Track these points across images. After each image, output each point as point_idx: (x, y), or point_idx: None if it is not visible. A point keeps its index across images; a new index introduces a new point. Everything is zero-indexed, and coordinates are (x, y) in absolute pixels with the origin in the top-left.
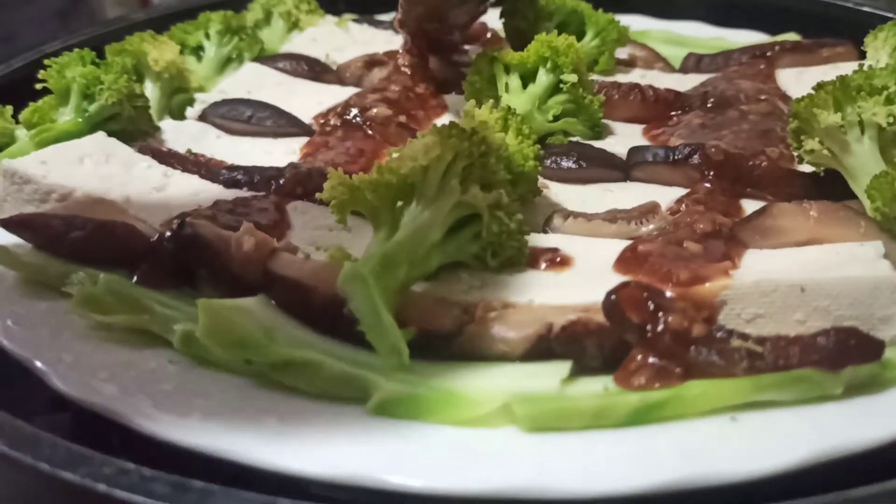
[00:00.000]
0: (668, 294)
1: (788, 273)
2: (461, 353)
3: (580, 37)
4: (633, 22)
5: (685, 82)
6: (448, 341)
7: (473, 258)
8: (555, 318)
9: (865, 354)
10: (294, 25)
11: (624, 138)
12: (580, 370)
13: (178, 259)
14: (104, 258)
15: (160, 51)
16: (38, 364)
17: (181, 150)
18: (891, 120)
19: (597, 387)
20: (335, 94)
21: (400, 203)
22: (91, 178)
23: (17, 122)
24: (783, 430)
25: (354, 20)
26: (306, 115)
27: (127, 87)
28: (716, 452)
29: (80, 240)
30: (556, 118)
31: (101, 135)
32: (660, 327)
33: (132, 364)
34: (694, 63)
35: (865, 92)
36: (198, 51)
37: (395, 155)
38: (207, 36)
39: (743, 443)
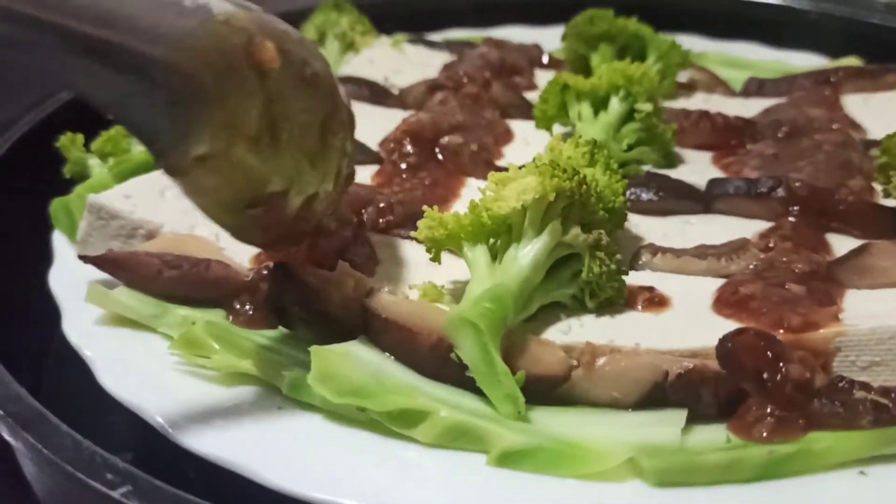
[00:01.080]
0: (782, 341)
1: None
2: (564, 397)
3: (642, 60)
4: (689, 42)
5: (749, 107)
6: (554, 386)
7: (571, 298)
8: (669, 366)
9: None
10: (349, 47)
11: (696, 166)
12: (693, 417)
13: (275, 300)
14: (198, 297)
15: None
16: (158, 419)
17: None
18: None
19: (714, 436)
20: (399, 120)
21: (495, 241)
22: (175, 212)
23: (89, 151)
24: None
25: (409, 41)
26: (371, 140)
27: None
28: None
29: (175, 279)
30: (629, 147)
31: None
32: (779, 377)
33: (241, 410)
34: (756, 87)
35: None
36: None
37: (489, 193)
38: None
39: (880, 500)
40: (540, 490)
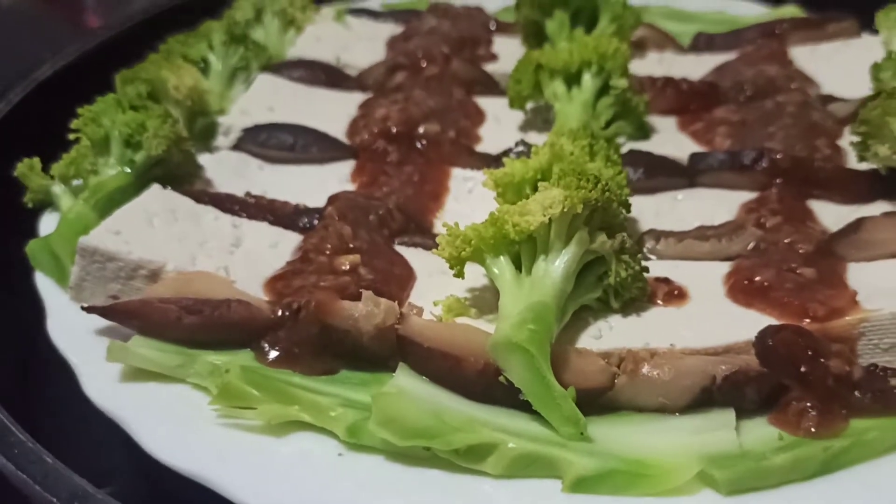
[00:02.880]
0: (816, 334)
1: None
2: (608, 405)
3: (594, 23)
4: None
5: (702, 63)
6: (599, 395)
7: (597, 301)
8: (715, 369)
9: None
10: (290, 23)
11: (667, 135)
12: (737, 414)
13: (302, 339)
14: (221, 340)
15: (179, 76)
16: (215, 479)
17: (228, 187)
18: None
19: (764, 432)
20: (360, 103)
21: (516, 250)
22: (171, 244)
23: (49, 176)
24: None
25: (350, 12)
26: (338, 129)
27: (174, 132)
28: None
29: (196, 325)
30: (607, 123)
31: (157, 188)
32: (821, 372)
33: (302, 462)
34: (706, 43)
35: None
36: (201, 63)
37: (513, 206)
38: (211, 47)
39: None
40: None
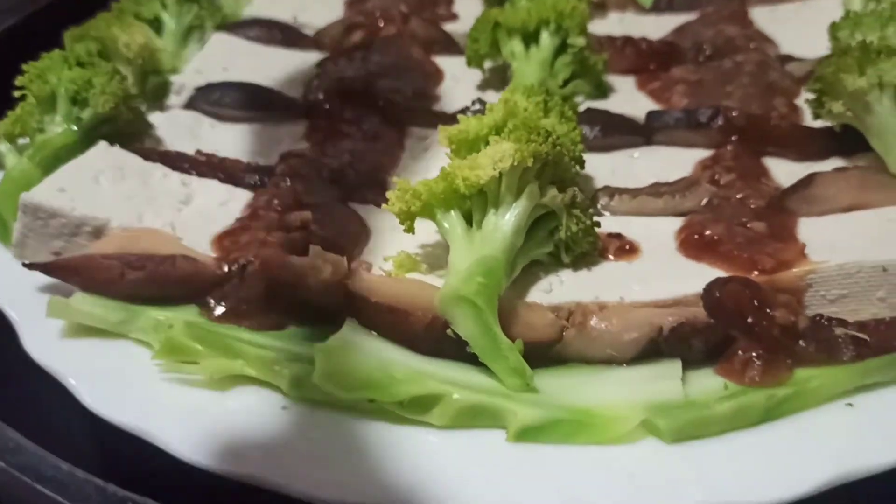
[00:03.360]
0: (764, 286)
1: (868, 253)
2: (557, 357)
3: None
4: None
5: (662, 24)
6: (547, 349)
7: (547, 255)
8: (662, 321)
9: None
10: None
11: (625, 95)
12: (683, 365)
13: (249, 295)
14: (165, 296)
15: (130, 34)
16: (156, 433)
17: (180, 146)
18: None
19: (709, 383)
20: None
21: (467, 205)
22: (117, 202)
23: None
24: None
25: None
26: (294, 88)
27: (121, 89)
28: (857, 444)
29: (140, 280)
30: (564, 82)
31: (104, 146)
32: (767, 323)
33: (245, 417)
34: (667, 3)
35: (885, 54)
36: (155, 23)
37: (464, 161)
38: (164, 6)
39: (872, 430)
40: (564, 460)
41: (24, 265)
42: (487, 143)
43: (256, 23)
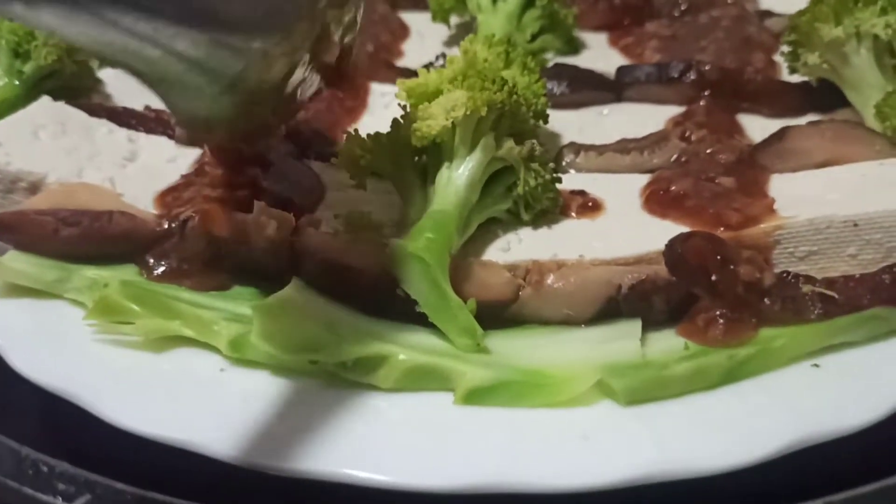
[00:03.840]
0: (728, 242)
1: (840, 208)
2: (514, 318)
3: None
4: None
5: None
6: (503, 308)
7: (506, 213)
8: (621, 278)
9: None
10: None
11: (597, 51)
12: (644, 325)
13: (191, 253)
14: (104, 254)
15: None
16: (85, 396)
17: (129, 102)
18: (889, 31)
19: (670, 343)
20: None
21: (421, 159)
22: (56, 157)
23: None
24: (868, 373)
25: None
26: None
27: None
28: (822, 406)
29: (74, 237)
30: (533, 37)
31: (46, 100)
32: (730, 280)
33: (180, 378)
34: None
35: (862, 3)
36: None
37: (404, 103)
38: None
39: (839, 392)
40: (514, 422)
41: None
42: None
43: None
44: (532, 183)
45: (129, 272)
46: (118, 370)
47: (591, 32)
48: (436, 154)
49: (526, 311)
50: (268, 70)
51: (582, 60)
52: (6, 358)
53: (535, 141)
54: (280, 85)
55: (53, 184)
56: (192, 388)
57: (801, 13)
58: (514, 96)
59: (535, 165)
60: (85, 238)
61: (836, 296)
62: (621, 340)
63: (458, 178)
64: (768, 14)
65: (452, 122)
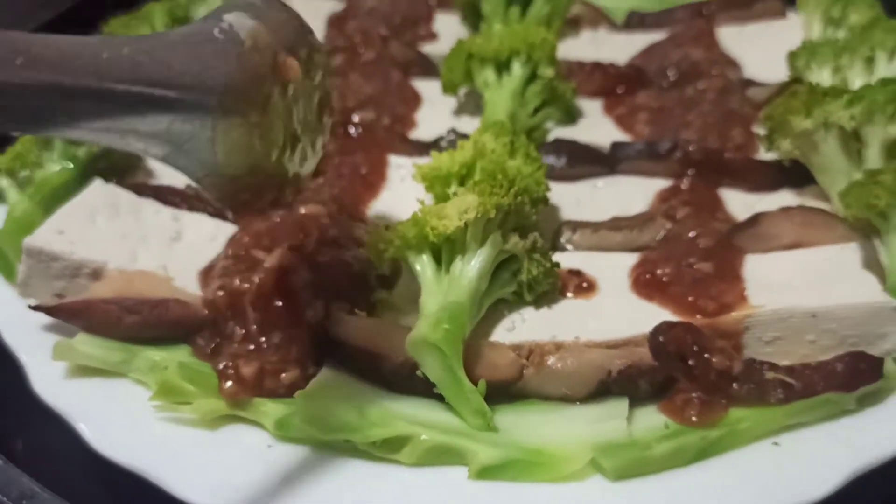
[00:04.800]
0: (705, 331)
1: (801, 300)
2: (518, 393)
3: (529, 3)
4: None
5: (634, 41)
6: (509, 385)
7: (511, 294)
8: (611, 363)
9: (872, 375)
10: None
11: (593, 119)
12: (631, 401)
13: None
14: (160, 337)
15: None
16: (155, 473)
17: (169, 174)
18: (853, 122)
19: (653, 420)
20: None
21: (438, 248)
22: (112, 242)
23: None
24: (822, 451)
25: None
26: None
27: None
28: (781, 481)
29: (137, 324)
30: (535, 110)
31: (99, 183)
32: (704, 367)
33: (234, 453)
34: (638, 21)
35: (830, 97)
36: None
37: (433, 208)
38: (153, 30)
39: (796, 467)
40: (520, 497)
41: (30, 307)
42: (461, 180)
43: None
44: (534, 272)
45: (183, 352)
46: (180, 447)
47: (587, 99)
48: (450, 248)
49: (529, 388)
50: (243, 150)
51: (579, 130)
52: (82, 435)
53: (536, 234)
54: (272, 164)
55: (113, 271)
56: (243, 463)
57: (774, 106)
58: (518, 197)
59: (536, 256)
60: (145, 325)
61: (795, 383)
62: (611, 420)
63: (470, 270)
64: (751, 83)
65: (465, 223)
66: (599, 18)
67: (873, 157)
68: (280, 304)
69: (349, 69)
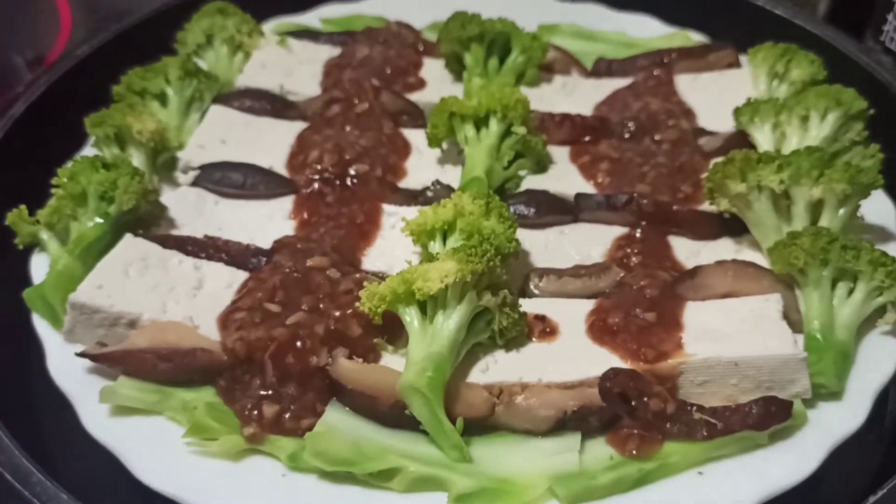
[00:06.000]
0: (645, 377)
1: (727, 350)
2: (491, 425)
3: (507, 53)
4: (541, 6)
5: (600, 88)
6: (483, 421)
7: (486, 339)
8: (567, 403)
9: (782, 416)
10: (237, 48)
11: (560, 167)
12: (584, 434)
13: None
14: (190, 380)
15: (142, 122)
16: (191, 499)
17: (189, 223)
18: (782, 185)
19: (601, 451)
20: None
21: (424, 303)
22: (145, 294)
23: (37, 222)
24: (738, 479)
25: (292, 34)
26: (281, 157)
27: (141, 187)
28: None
29: (169, 370)
30: (509, 162)
31: (129, 238)
32: (643, 408)
33: (255, 481)
34: (605, 68)
35: (763, 163)
36: (160, 97)
37: (420, 269)
38: (168, 82)
39: (716, 494)
40: None
41: (76, 354)
42: (442, 233)
43: (247, 93)
44: (504, 322)
45: (209, 392)
46: (210, 476)
47: (557, 147)
48: (434, 303)
49: (499, 422)
50: None
51: (548, 178)
52: (130, 469)
53: (506, 291)
54: None
55: (147, 321)
56: (262, 489)
57: (714, 170)
58: (491, 262)
59: (506, 309)
60: (177, 370)
61: (717, 423)
62: (565, 453)
63: (450, 323)
64: (703, 132)
65: (446, 285)
66: (571, 64)
67: (800, 214)
68: (294, 360)
69: (345, 121)
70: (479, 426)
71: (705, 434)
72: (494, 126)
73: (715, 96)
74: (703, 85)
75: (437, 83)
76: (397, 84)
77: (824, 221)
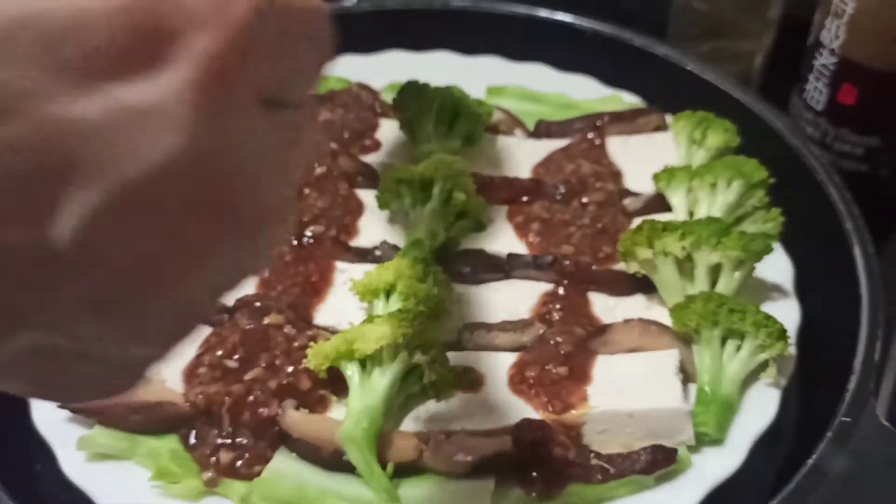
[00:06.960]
0: (553, 426)
1: (624, 403)
2: (419, 468)
3: (456, 117)
4: (488, 66)
5: (540, 149)
6: (412, 464)
7: (419, 391)
8: (482, 450)
9: (667, 462)
10: None
11: (497, 226)
12: (499, 478)
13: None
14: (156, 430)
15: None
16: None
17: None
18: (684, 252)
19: (513, 495)
20: None
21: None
22: None
23: None
24: None
25: None
26: None
27: None
28: None
29: (140, 422)
30: (450, 224)
31: None
32: (548, 455)
33: None
34: (545, 129)
35: (667, 231)
36: None
37: (360, 330)
38: None
39: None
40: None
41: (58, 406)
42: (385, 292)
43: None
44: (434, 377)
45: (173, 440)
46: None
47: (495, 206)
48: (371, 361)
49: (426, 465)
50: None
51: (485, 237)
52: None
53: (435, 350)
54: None
55: None
56: None
57: (625, 238)
58: (422, 326)
59: (436, 365)
60: (146, 422)
61: (610, 468)
62: (480, 494)
63: (384, 379)
64: (628, 193)
65: (381, 346)
66: (514, 125)
67: (701, 277)
68: (248, 413)
69: (304, 183)
70: (410, 469)
71: (600, 478)
72: (437, 192)
73: (642, 159)
74: (632, 147)
75: (391, 143)
76: (354, 147)
77: (722, 283)
